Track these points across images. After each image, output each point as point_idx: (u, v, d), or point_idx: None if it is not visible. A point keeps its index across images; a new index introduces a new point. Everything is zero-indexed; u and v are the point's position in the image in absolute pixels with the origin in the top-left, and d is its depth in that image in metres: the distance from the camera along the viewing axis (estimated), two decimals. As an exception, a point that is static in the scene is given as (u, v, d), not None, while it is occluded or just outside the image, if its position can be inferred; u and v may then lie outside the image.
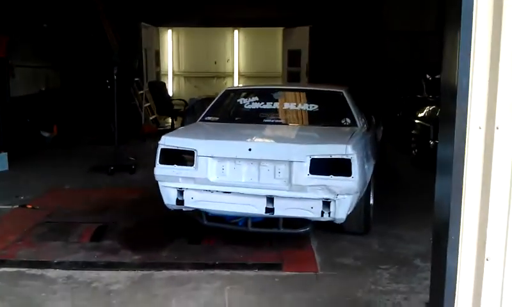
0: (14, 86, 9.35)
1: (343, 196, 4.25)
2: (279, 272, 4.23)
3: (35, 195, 6.54)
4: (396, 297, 3.82)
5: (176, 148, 4.61)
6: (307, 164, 4.24)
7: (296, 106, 5.59)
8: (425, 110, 8.04)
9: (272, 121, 5.36)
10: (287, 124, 5.40)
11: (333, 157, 4.30)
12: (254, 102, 5.71)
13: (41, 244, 4.91)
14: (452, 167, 2.66)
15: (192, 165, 4.49)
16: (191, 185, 4.52)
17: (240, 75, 16.19)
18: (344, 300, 3.78)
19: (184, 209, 4.66)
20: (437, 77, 8.41)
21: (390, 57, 10.34)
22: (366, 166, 4.68)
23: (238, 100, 5.86)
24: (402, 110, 9.09)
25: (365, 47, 10.78)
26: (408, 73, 9.44)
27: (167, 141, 4.67)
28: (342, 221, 4.39)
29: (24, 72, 9.75)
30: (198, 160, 4.45)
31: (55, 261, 4.46)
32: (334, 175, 4.23)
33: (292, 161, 4.27)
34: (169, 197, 4.64)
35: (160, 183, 4.65)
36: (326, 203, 4.26)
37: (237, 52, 16.05)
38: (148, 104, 12.42)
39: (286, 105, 5.63)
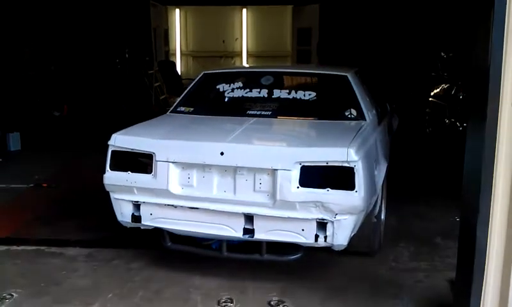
0: (24, 65, 9.33)
1: (343, 216, 3.34)
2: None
3: (49, 174, 6.57)
4: (418, 274, 3.82)
5: (130, 149, 3.74)
6: (296, 173, 3.35)
7: (289, 94, 4.53)
8: (440, 88, 7.97)
9: (258, 113, 4.35)
10: (276, 117, 4.35)
11: (330, 164, 3.34)
12: (237, 88, 4.69)
13: (58, 222, 4.94)
14: (484, 142, 2.63)
15: (150, 172, 3.65)
16: (149, 198, 3.68)
17: (248, 54, 16.08)
18: (365, 278, 3.78)
19: (142, 227, 3.86)
20: (451, 55, 8.31)
21: (404, 34, 10.20)
22: (376, 173, 3.78)
23: (218, 87, 4.78)
24: (416, 88, 9.01)
25: (376, 25, 10.64)
26: (422, 52, 9.34)
27: (118, 141, 3.80)
28: (342, 248, 3.49)
29: (33, 51, 9.71)
30: (157, 166, 3.59)
31: (74, 240, 4.49)
32: (332, 188, 3.31)
33: (276, 169, 3.36)
34: (122, 213, 3.81)
35: (111, 195, 3.83)
36: (322, 225, 3.38)
37: (246, 31, 15.92)
38: (157, 84, 12.37)
39: (276, 93, 4.55)
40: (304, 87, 4.53)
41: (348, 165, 3.29)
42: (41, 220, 5.00)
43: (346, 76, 4.54)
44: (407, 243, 4.40)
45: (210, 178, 3.55)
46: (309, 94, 4.48)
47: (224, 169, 3.51)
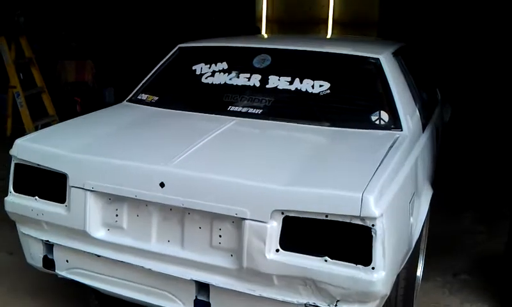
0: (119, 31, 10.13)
1: (351, 304, 2.06)
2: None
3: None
4: (479, 236, 3.95)
5: (37, 165, 2.54)
6: (275, 228, 2.07)
7: (290, 83, 3.03)
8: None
9: (244, 110, 2.95)
10: (268, 118, 2.89)
11: (331, 218, 2.00)
12: (219, 71, 3.24)
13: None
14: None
15: (64, 201, 2.47)
16: (62, 239, 2.53)
17: (334, 22, 15.96)
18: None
19: (59, 276, 2.68)
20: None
21: (491, 11, 9.73)
22: (411, 220, 2.41)
23: (194, 68, 3.33)
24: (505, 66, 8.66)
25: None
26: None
27: (22, 151, 2.62)
28: None
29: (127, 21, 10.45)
30: (71, 193, 2.42)
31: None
32: (332, 258, 2.01)
33: (243, 218, 2.09)
34: (31, 254, 2.70)
35: (18, 227, 2.74)
36: None
37: (333, -1, 15.80)
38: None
39: (272, 81, 3.07)
40: (314, 74, 3.06)
41: (362, 224, 1.96)
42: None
43: (378, 59, 3.04)
44: (472, 210, 4.48)
45: (148, 219, 2.32)
46: (320, 86, 2.98)
47: (168, 208, 2.26)
